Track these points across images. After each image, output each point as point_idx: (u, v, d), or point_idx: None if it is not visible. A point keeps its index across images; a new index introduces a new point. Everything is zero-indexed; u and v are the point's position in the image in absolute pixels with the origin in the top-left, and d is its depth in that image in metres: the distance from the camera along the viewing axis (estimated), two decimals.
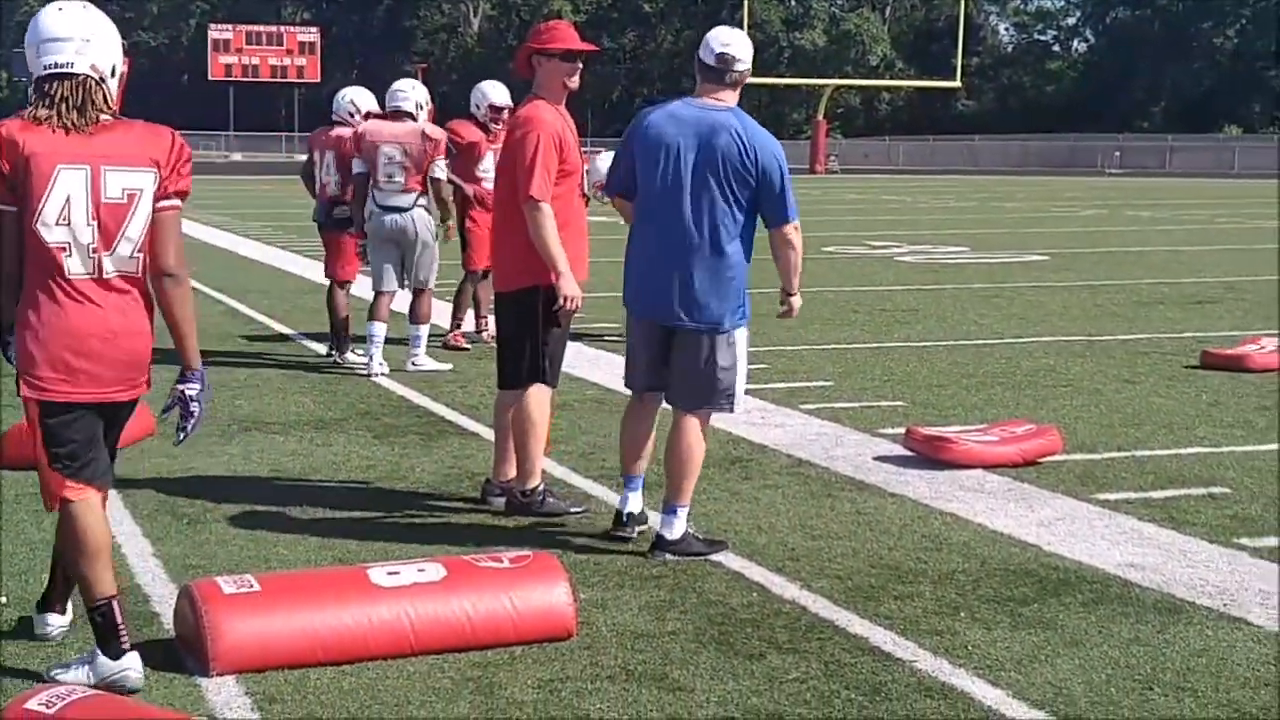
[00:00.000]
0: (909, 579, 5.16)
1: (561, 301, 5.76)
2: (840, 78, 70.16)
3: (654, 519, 5.56)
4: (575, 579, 4.97)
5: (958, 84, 62.83)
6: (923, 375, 9.51)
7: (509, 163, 5.92)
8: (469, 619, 4.37)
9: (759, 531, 5.76)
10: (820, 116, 62.69)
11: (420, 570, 4.49)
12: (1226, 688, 4.14)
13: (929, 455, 6.94)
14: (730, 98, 5.44)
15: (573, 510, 6.04)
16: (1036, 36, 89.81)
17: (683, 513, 5.42)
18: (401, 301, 9.85)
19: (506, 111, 10.48)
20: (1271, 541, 5.63)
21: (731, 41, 5.42)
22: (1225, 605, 4.88)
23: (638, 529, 5.58)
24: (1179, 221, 27.86)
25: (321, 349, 10.64)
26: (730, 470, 6.87)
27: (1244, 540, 5.65)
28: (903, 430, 7.31)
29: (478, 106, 10.64)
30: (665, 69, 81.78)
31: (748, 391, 8.64)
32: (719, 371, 5.38)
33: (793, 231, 5.41)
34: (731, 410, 5.53)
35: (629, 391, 5.70)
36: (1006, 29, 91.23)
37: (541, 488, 6.02)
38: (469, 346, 10.59)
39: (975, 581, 5.14)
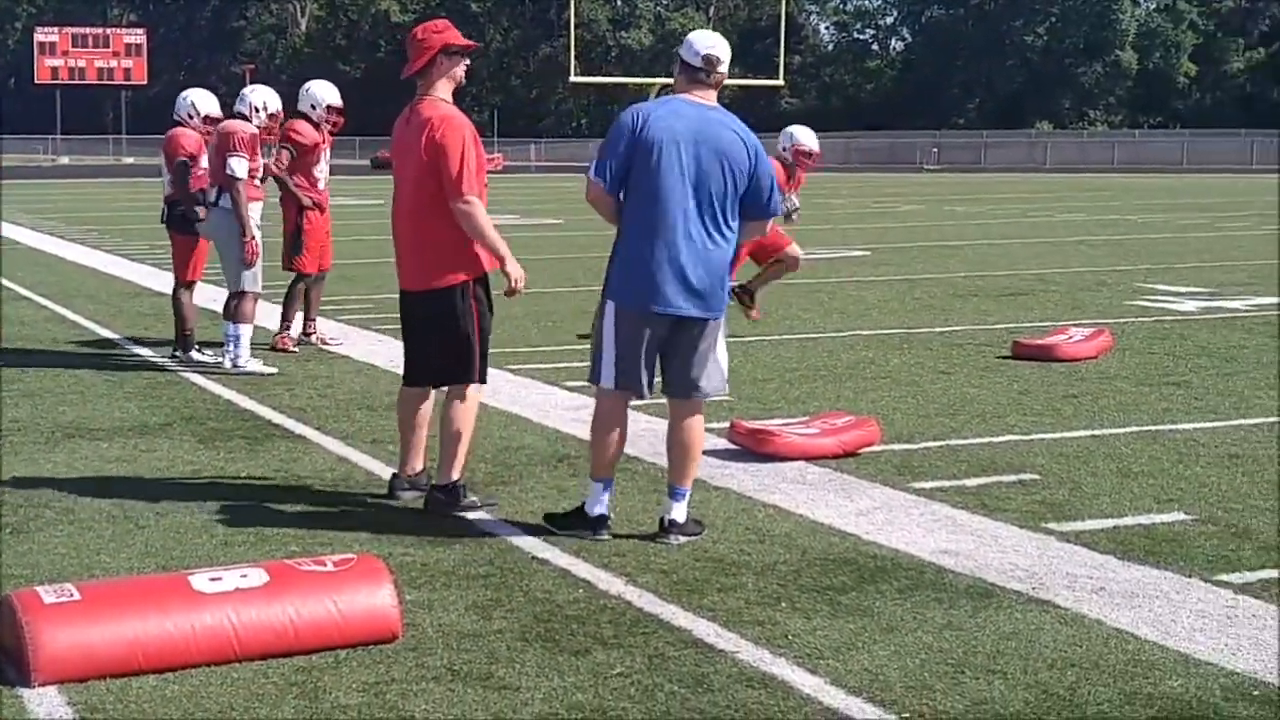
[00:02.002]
0: (732, 571, 5.21)
1: (512, 284, 5.94)
2: (667, 76, 70.50)
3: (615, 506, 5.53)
4: (401, 580, 4.94)
5: (781, 82, 63.60)
6: (747, 370, 9.62)
7: (415, 164, 5.90)
8: (293, 623, 4.30)
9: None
10: None
11: (243, 576, 4.41)
12: (1034, 669, 4.26)
13: (752, 449, 7.03)
14: (713, 98, 5.62)
15: (489, 504, 6.07)
16: (856, 35, 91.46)
17: (688, 495, 5.67)
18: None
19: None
20: (1078, 526, 5.81)
21: (715, 44, 5.63)
22: (1034, 589, 5.02)
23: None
24: (993, 216, 28.63)
25: (147, 352, 10.41)
26: (558, 467, 6.87)
27: (1052, 525, 5.82)
28: (727, 424, 7.39)
29: (313, 107, 10.49)
30: (495, 68, 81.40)
31: (577, 389, 8.73)
32: (719, 357, 5.65)
33: (769, 227, 5.81)
34: (725, 391, 5.82)
35: (600, 388, 5.67)
36: (827, 28, 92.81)
37: (461, 484, 6.01)
38: (297, 350, 10.43)
39: (796, 571, 5.21)
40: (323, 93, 10.53)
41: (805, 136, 11.34)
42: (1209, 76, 79.61)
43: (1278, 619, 4.69)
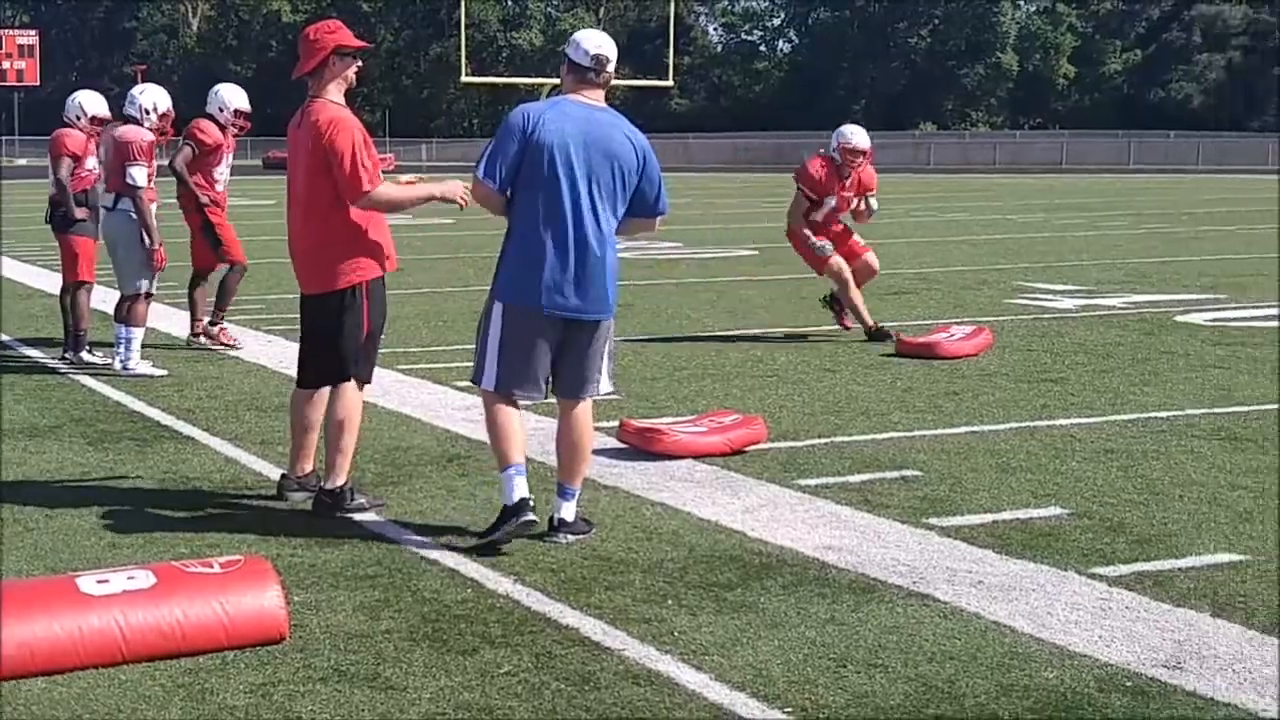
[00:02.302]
0: (620, 569, 5.24)
1: (459, 199, 5.94)
2: (558, 76, 70.40)
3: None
4: (289, 581, 4.91)
5: (670, 83, 63.84)
6: (637, 369, 9.66)
7: (307, 167, 5.85)
8: (180, 625, 4.27)
9: (475, 528, 5.75)
10: None
11: (130, 578, 4.37)
12: (914, 662, 4.33)
13: (641, 447, 7.06)
14: (601, 98, 5.61)
15: (377, 505, 6.03)
16: (744, 37, 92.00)
17: (578, 495, 5.66)
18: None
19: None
20: (958, 521, 5.91)
21: (603, 44, 5.63)
22: (914, 583, 5.09)
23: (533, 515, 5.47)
24: (879, 215, 28.92)
25: (38, 354, 10.22)
26: (447, 467, 6.85)
27: (933, 520, 5.91)
28: (617, 424, 7.41)
29: (221, 110, 10.50)
30: (386, 68, 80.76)
31: (467, 388, 8.69)
32: (608, 356, 5.65)
33: (657, 224, 5.80)
34: (612, 390, 5.82)
35: (489, 390, 5.58)
36: (716, 29, 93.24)
37: (349, 486, 5.96)
38: (239, 344, 10.41)
39: (683, 569, 5.25)
40: (231, 96, 10.58)
41: (854, 135, 11.29)
42: (1088, 78, 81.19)
43: (1150, 611, 4.80)
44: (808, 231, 11.20)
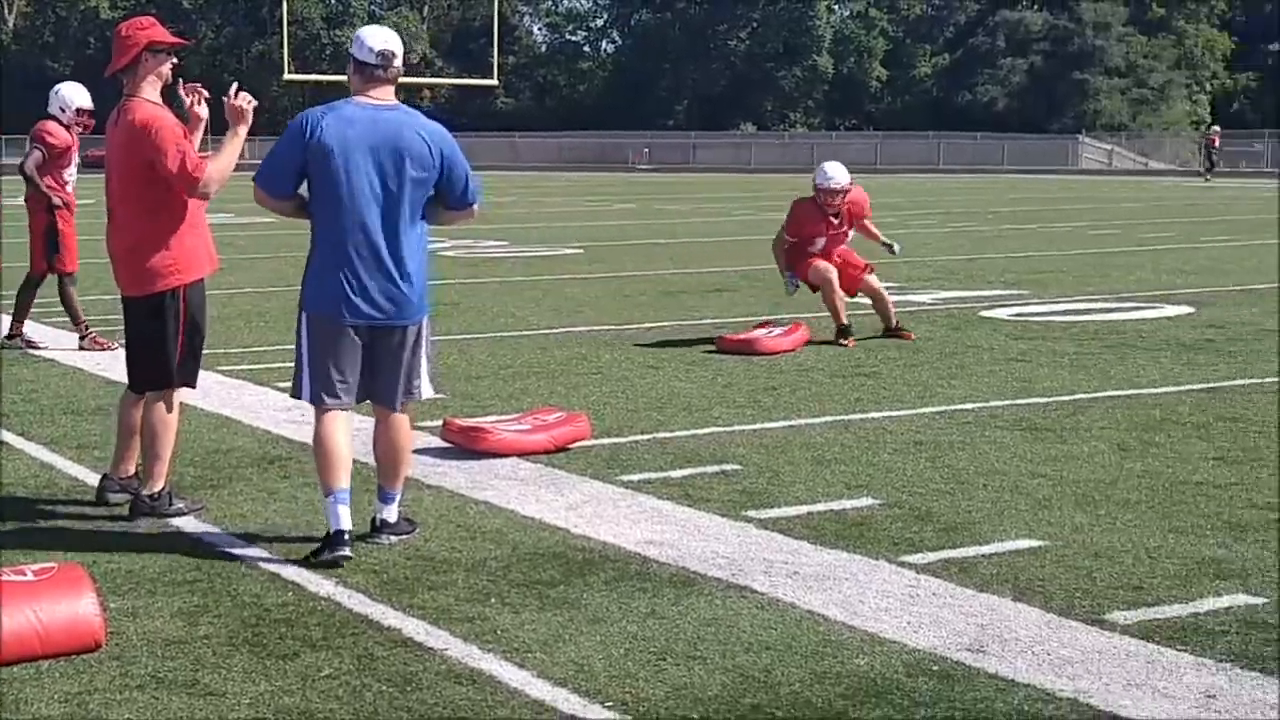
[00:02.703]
0: (443, 569, 5.20)
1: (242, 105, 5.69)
2: None
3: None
4: (106, 588, 4.78)
5: (495, 82, 63.56)
6: (462, 368, 9.61)
7: (124, 167, 5.70)
8: None
9: (296, 531, 5.67)
10: None
11: None
12: (732, 653, 4.38)
13: (466, 446, 7.03)
14: (390, 94, 5.45)
15: (196, 509, 5.90)
16: (569, 37, 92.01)
17: (399, 497, 5.59)
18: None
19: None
20: (775, 513, 5.99)
21: (389, 39, 5.46)
22: (733, 575, 5.16)
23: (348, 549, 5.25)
24: (701, 214, 29.27)
25: None
26: (268, 470, 6.74)
27: (751, 513, 5.99)
28: (440, 423, 7.37)
29: (63, 110, 10.37)
30: (207, 65, 78.81)
31: (280, 389, 8.54)
32: (423, 360, 5.53)
33: (476, 211, 5.68)
34: (423, 396, 5.64)
35: (309, 403, 5.47)
36: (540, 29, 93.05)
37: (167, 490, 5.82)
38: (114, 346, 10.12)
39: (506, 567, 5.24)
40: (72, 95, 10.42)
41: (830, 175, 11.09)
42: (899, 81, 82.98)
43: (955, 596, 4.93)
44: (783, 263, 11.37)
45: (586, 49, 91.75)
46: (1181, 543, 5.56)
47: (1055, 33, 78.68)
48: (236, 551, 5.40)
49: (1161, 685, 4.12)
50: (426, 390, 5.59)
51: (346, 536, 5.24)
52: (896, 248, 11.97)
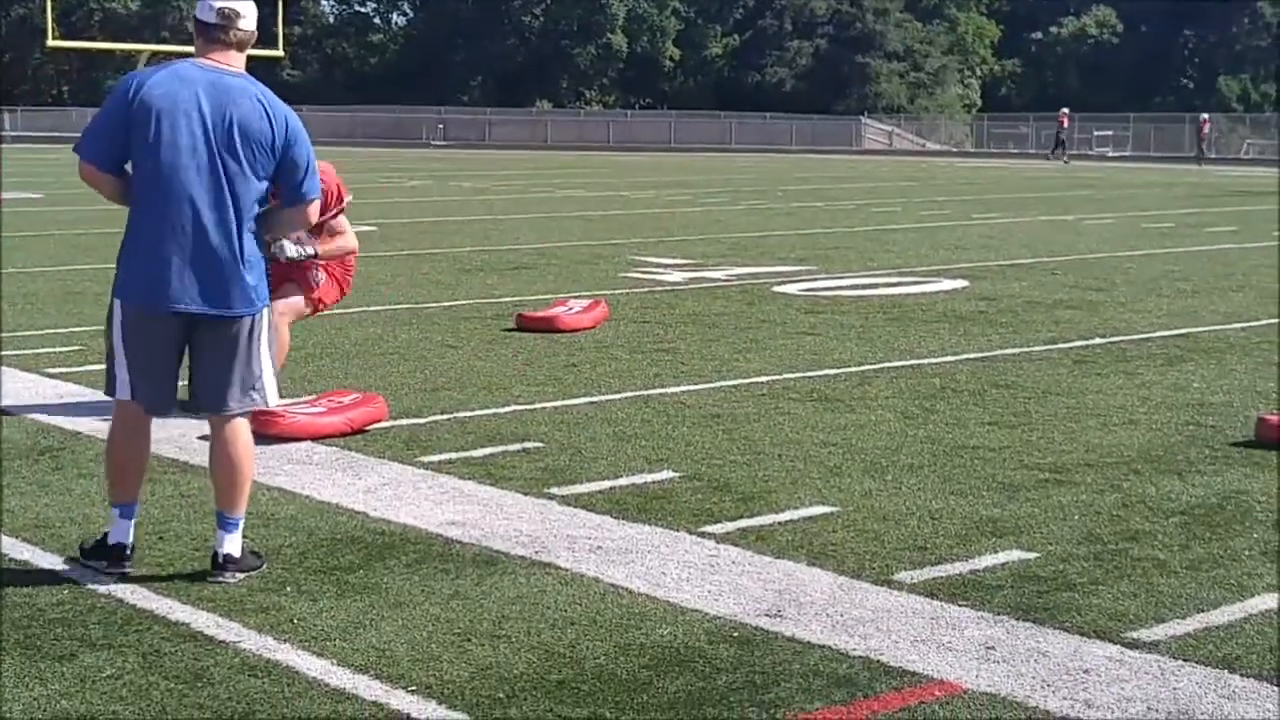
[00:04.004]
0: None
1: None
2: (158, 43, 67.21)
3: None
4: None
5: (280, 53, 61.90)
6: None
7: None
8: None
9: (71, 524, 5.37)
10: None
11: None
12: (537, 630, 4.31)
13: (257, 430, 6.73)
14: (237, 61, 4.81)
15: None
16: (358, 8, 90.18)
17: (242, 524, 4.83)
18: None
19: None
20: (578, 489, 5.93)
21: None
22: (537, 552, 5.08)
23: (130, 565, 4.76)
24: (498, 191, 29.03)
25: None
26: (39, 461, 6.37)
27: (554, 490, 5.92)
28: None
29: None
30: None
31: (60, 375, 8.14)
32: (264, 359, 4.81)
33: (316, 209, 4.95)
34: (267, 402, 4.93)
35: (113, 400, 4.82)
36: (328, 0, 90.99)
37: None
38: None
39: (302, 554, 5.05)
40: None
41: None
42: (691, 60, 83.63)
43: (753, 564, 4.94)
44: None
45: (377, 20, 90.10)
46: (961, 504, 5.74)
47: (839, 17, 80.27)
48: (5, 549, 5.07)
49: (945, 639, 4.26)
50: (270, 396, 4.91)
51: (129, 551, 4.74)
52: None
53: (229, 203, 4.67)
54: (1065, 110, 51.83)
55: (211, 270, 4.64)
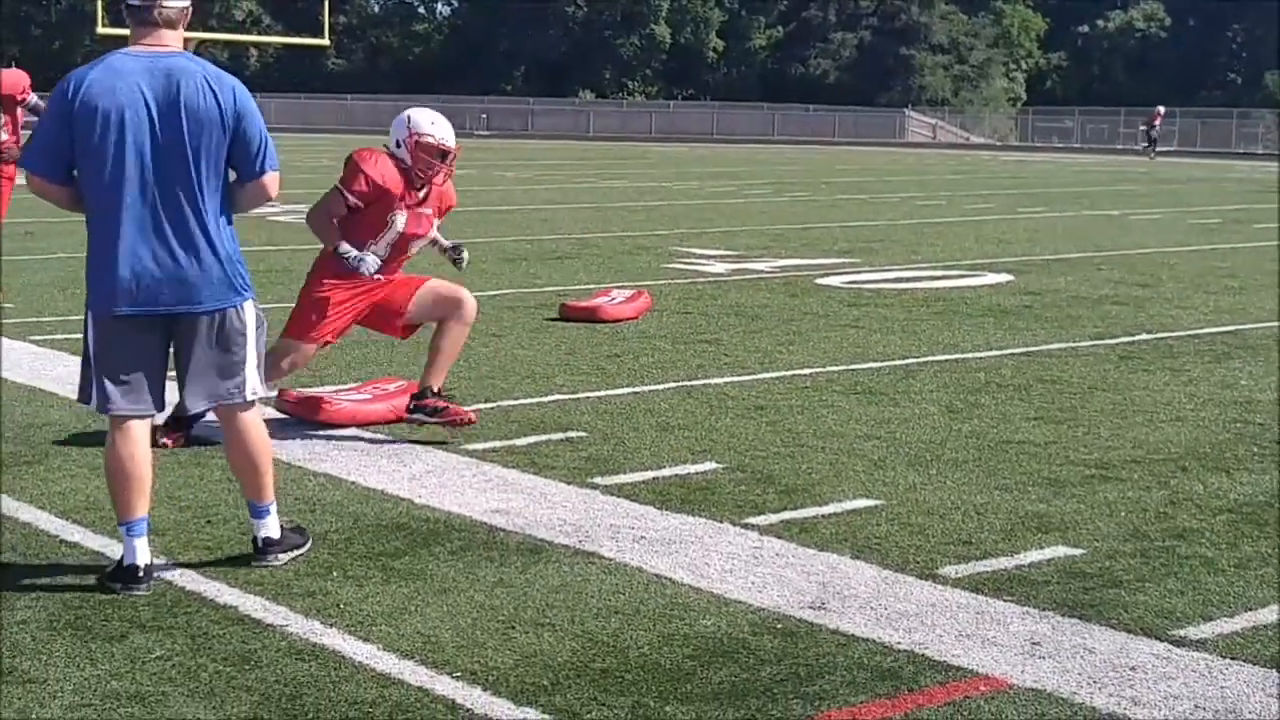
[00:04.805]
0: None
1: None
2: (205, 31, 67.63)
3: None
4: None
5: (326, 42, 62.09)
6: None
7: None
8: None
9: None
10: None
11: None
12: (580, 619, 4.31)
13: (304, 416, 6.81)
14: (172, 40, 4.52)
15: None
16: None
17: (274, 508, 4.80)
18: None
19: None
20: (621, 479, 5.92)
21: None
22: (580, 541, 5.08)
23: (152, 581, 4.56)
24: (540, 182, 29.07)
25: None
26: (89, 442, 6.34)
27: (597, 479, 5.92)
28: (274, 393, 7.12)
29: None
30: (10, 16, 75.70)
31: None
32: (247, 353, 4.63)
33: (275, 181, 4.66)
34: (247, 396, 4.69)
35: (100, 413, 4.64)
36: None
37: None
38: None
39: (348, 540, 5.08)
40: None
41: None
42: (735, 52, 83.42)
43: (797, 556, 4.93)
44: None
45: (421, 10, 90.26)
46: (1006, 499, 5.70)
47: (884, 8, 79.88)
48: (55, 530, 5.13)
49: (990, 634, 4.23)
50: (255, 389, 4.70)
51: (142, 573, 4.49)
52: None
53: (189, 194, 4.47)
54: (1160, 109, 49.94)
55: (180, 267, 4.47)
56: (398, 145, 6.63)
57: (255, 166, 4.59)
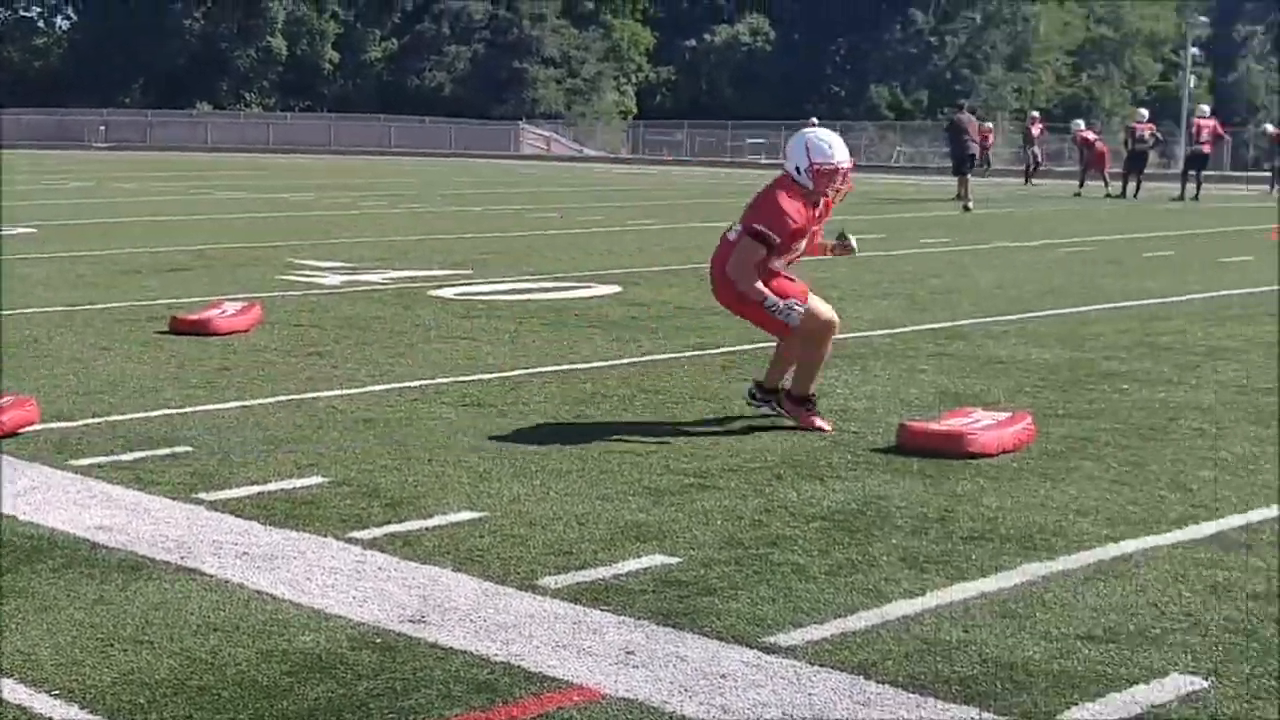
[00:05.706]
0: None
1: None
2: None
3: None
4: None
5: None
6: None
7: None
8: None
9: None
10: None
11: None
12: (180, 636, 4.23)
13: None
14: None
15: None
16: (23, 12, 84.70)
17: None
18: None
19: None
20: (226, 494, 5.81)
21: None
22: (182, 558, 4.97)
23: None
24: (158, 193, 27.90)
25: None
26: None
27: (203, 495, 5.78)
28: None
29: None
30: None
31: None
32: None
33: None
34: None
35: None
36: None
37: None
38: None
39: None
40: None
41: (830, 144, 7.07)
42: (351, 64, 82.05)
43: (399, 570, 4.93)
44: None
45: (41, 25, 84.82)
46: (607, 509, 5.68)
47: (496, 22, 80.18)
48: None
49: (586, 644, 4.20)
50: None
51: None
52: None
53: None
54: (1035, 113, 41.09)
55: None
56: (798, 171, 6.91)
57: None
